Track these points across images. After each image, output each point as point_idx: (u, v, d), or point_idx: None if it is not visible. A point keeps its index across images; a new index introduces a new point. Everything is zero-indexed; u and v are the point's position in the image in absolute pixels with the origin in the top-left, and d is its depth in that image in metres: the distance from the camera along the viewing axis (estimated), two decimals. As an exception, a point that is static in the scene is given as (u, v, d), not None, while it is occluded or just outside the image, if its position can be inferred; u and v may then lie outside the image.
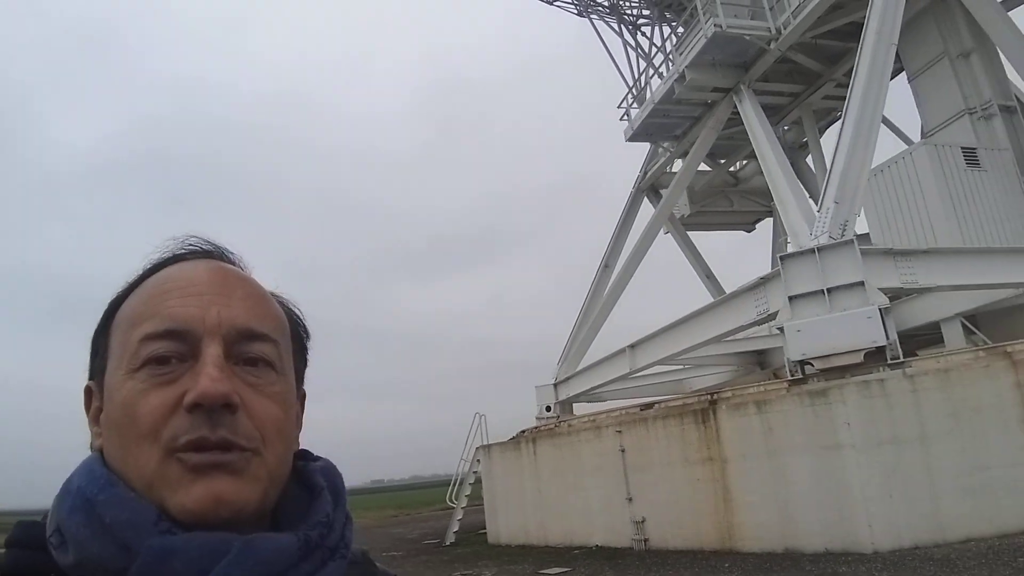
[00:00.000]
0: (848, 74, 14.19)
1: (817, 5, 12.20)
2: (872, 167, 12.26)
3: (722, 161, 16.68)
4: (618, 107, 15.88)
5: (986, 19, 10.68)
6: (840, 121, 9.84)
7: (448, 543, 13.36)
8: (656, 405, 9.76)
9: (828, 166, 9.66)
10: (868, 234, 11.85)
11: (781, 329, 8.38)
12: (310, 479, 0.74)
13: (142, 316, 0.69)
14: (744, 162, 17.26)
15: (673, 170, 16.50)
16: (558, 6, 19.95)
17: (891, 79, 14.56)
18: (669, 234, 17.46)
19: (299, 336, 0.80)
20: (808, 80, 14.27)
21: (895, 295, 10.54)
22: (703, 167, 16.71)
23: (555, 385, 15.28)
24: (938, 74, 12.34)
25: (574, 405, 15.19)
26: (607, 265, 16.28)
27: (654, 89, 15.25)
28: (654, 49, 17.04)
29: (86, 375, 0.77)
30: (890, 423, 7.34)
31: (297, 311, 0.82)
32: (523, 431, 13.24)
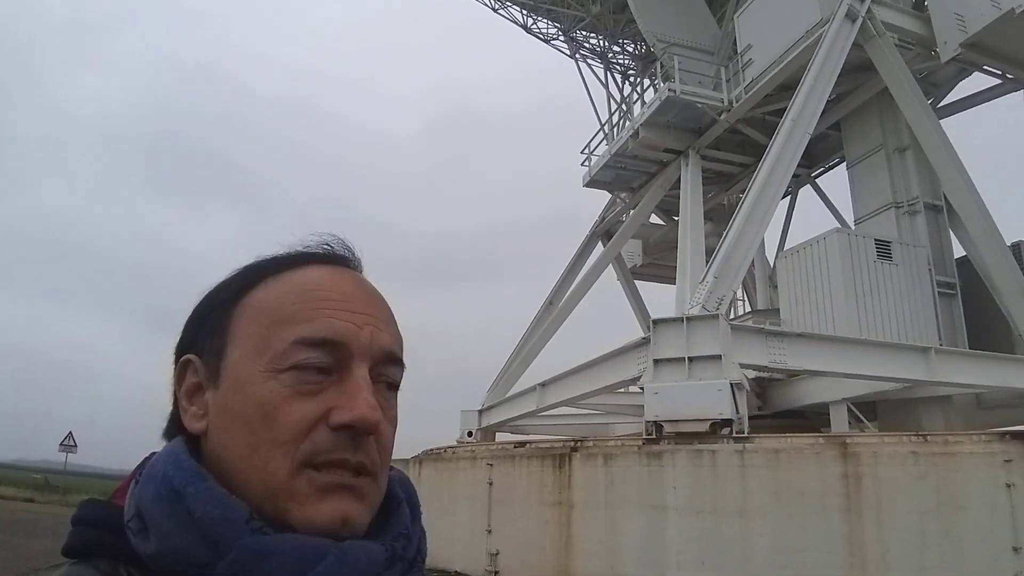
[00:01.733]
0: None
1: (766, 84, 12.66)
2: (791, 247, 12.73)
3: (676, 217, 17.09)
4: (581, 152, 16.35)
5: (915, 119, 11.05)
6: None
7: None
8: (528, 445, 10.13)
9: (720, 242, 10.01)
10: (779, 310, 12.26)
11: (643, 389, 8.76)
12: (390, 490, 0.74)
13: (294, 317, 0.69)
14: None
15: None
16: (554, 46, 20.60)
17: (834, 166, 15.11)
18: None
19: None
20: (756, 153, 14.66)
21: (793, 373, 10.98)
22: (659, 221, 17.16)
23: (479, 412, 15.64)
24: (874, 165, 12.74)
25: (497, 433, 15.54)
26: (551, 302, 16.69)
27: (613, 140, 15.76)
28: (632, 100, 17.61)
29: (173, 342, 0.77)
30: (714, 493, 7.67)
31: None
32: (428, 450, 13.60)
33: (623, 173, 15.85)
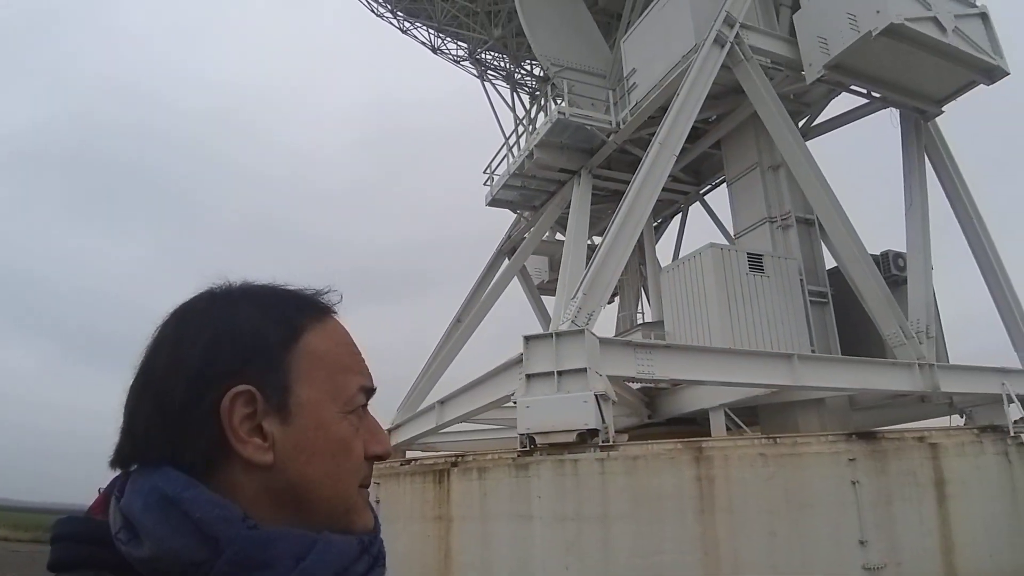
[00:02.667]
0: (683, 171, 15.35)
1: (647, 106, 13.19)
2: (671, 263, 13.26)
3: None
4: (484, 171, 16.68)
5: (780, 139, 11.68)
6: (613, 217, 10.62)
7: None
8: (413, 462, 10.33)
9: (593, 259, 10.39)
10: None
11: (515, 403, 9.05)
12: None
13: (352, 367, 0.85)
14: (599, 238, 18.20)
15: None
16: (463, 67, 20.97)
17: (720, 183, 15.75)
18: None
19: None
20: (648, 172, 15.26)
21: (676, 382, 11.43)
22: (561, 238, 17.59)
23: (389, 430, 15.74)
24: (750, 182, 13.39)
25: (407, 452, 15.65)
26: (459, 320, 16.92)
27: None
28: (535, 120, 18.06)
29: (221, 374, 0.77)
30: (576, 500, 8.00)
31: None
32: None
33: (525, 192, 16.23)
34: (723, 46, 11.65)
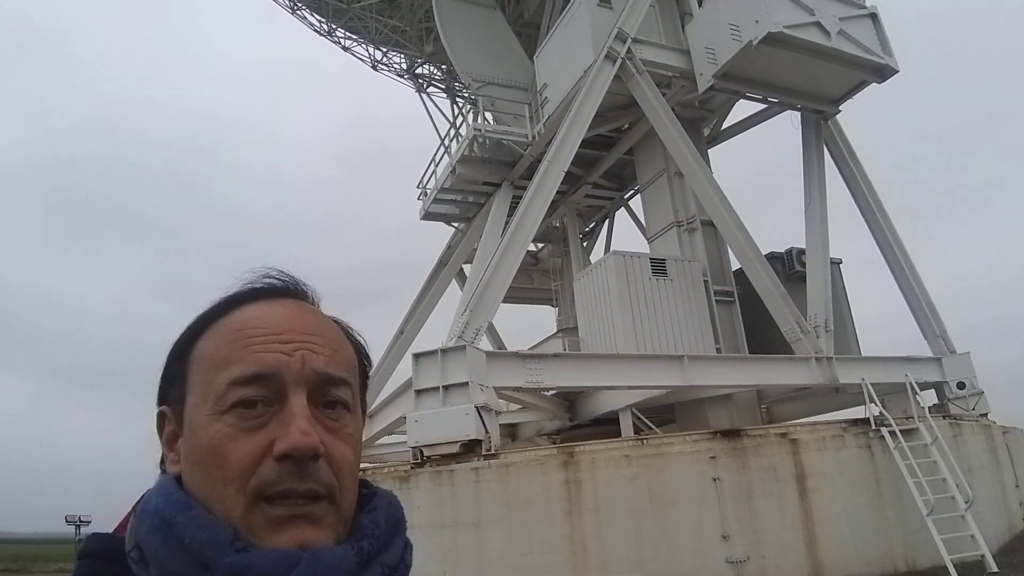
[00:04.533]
0: (604, 177, 15.78)
1: (556, 119, 13.59)
2: (583, 271, 13.69)
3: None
4: (417, 186, 17.11)
5: (673, 148, 12.10)
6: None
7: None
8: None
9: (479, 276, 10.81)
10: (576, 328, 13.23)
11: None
12: (367, 502, 0.79)
13: (227, 359, 0.73)
14: (540, 245, 18.68)
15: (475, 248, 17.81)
16: (401, 82, 21.42)
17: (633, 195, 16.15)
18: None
19: (364, 369, 0.84)
20: (569, 181, 15.68)
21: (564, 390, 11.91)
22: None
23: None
24: (659, 188, 13.84)
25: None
26: (402, 332, 17.37)
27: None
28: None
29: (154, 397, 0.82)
30: (452, 509, 8.46)
31: (362, 341, 0.86)
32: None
33: (461, 205, 16.68)
34: (615, 61, 12.08)
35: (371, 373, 0.86)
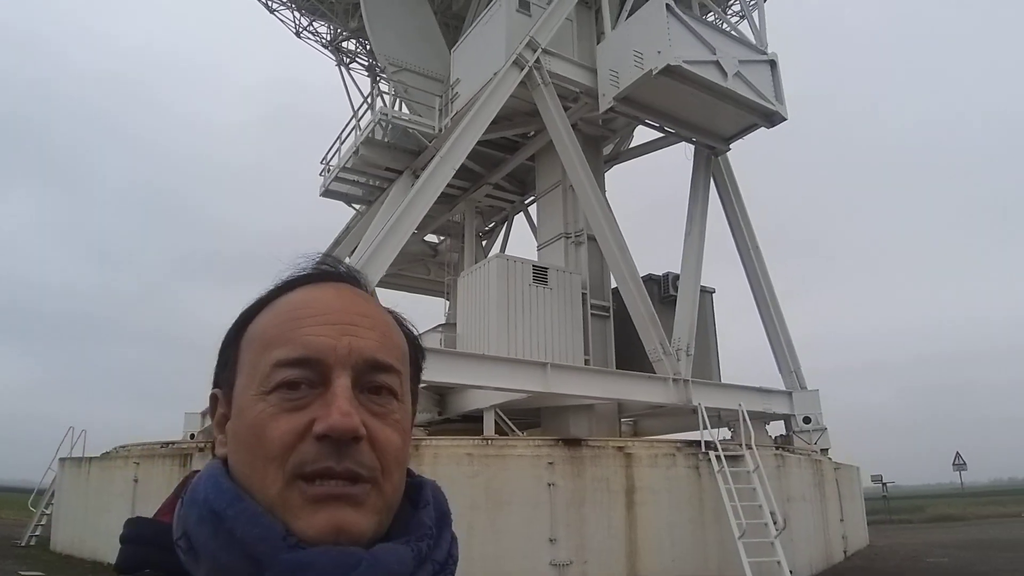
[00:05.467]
0: (506, 179, 16.03)
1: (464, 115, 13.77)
2: (466, 269, 13.91)
3: (415, 231, 18.05)
4: (320, 161, 16.95)
5: (567, 161, 12.43)
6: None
7: (24, 544, 13.77)
8: (170, 445, 10.71)
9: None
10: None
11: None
12: (418, 494, 0.77)
13: (275, 340, 0.73)
14: (441, 238, 18.84)
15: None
16: (324, 53, 21.11)
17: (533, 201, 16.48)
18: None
19: (416, 360, 0.83)
20: (472, 177, 15.89)
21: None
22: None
23: (202, 414, 15.90)
24: (553, 199, 14.19)
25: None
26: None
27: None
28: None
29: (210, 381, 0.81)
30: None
31: (415, 332, 0.85)
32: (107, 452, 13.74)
33: (361, 187, 16.63)
34: (522, 68, 12.32)
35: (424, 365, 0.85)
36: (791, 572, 8.84)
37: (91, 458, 12.66)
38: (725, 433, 14.17)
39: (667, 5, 11.97)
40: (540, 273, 12.75)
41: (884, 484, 25.42)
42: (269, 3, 20.17)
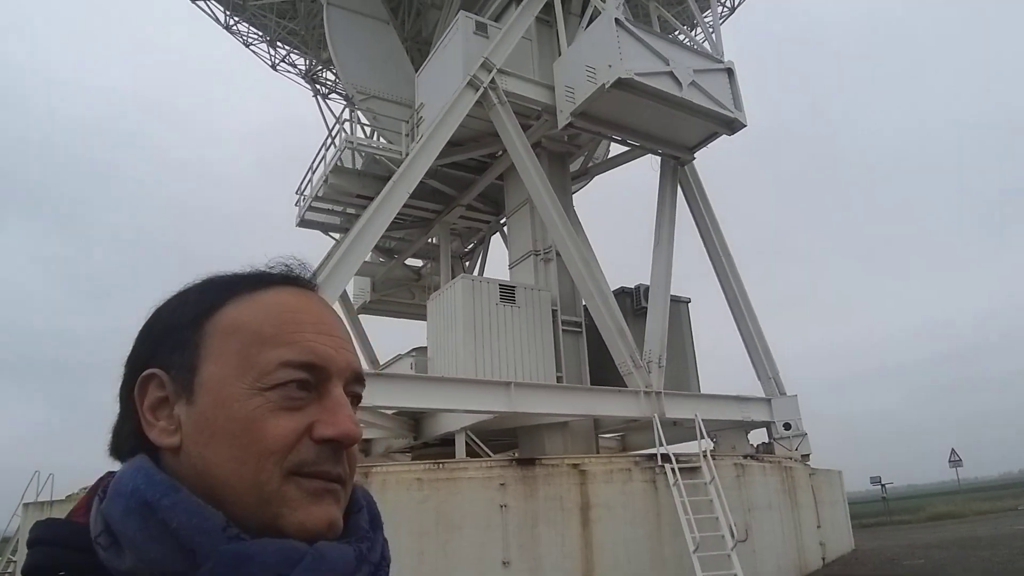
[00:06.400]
0: (481, 200, 16.05)
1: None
2: (436, 291, 13.91)
3: (396, 257, 18.12)
4: (295, 192, 17.06)
5: (528, 180, 12.43)
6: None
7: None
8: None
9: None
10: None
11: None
12: (352, 497, 0.78)
13: (274, 339, 0.73)
14: (423, 262, 18.90)
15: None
16: (300, 84, 21.38)
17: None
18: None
19: None
20: (444, 200, 15.93)
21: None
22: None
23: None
24: (521, 217, 14.18)
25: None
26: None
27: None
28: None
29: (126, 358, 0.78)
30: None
31: None
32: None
33: (338, 215, 16.73)
34: (477, 89, 12.37)
35: None
36: (752, 584, 8.68)
37: (55, 501, 12.72)
38: (708, 444, 14.06)
39: (616, 20, 11.98)
40: (507, 292, 12.73)
41: (883, 485, 25.07)
42: (245, 37, 20.50)
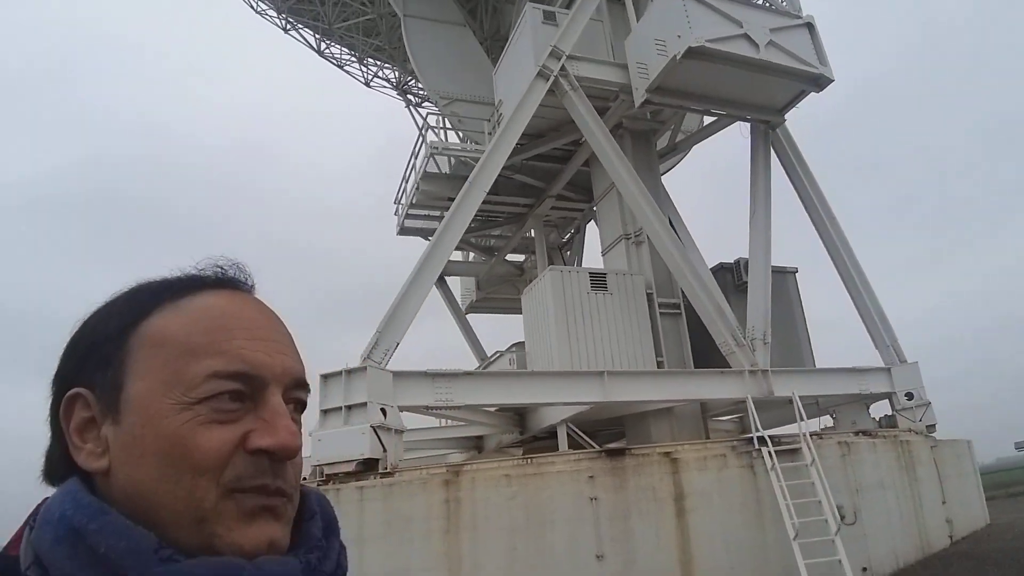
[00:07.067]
0: (572, 189, 15.89)
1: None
2: (528, 286, 13.86)
3: (495, 254, 18.23)
4: (395, 202, 17.55)
5: (608, 163, 12.18)
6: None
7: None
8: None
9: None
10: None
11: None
12: (304, 504, 0.76)
13: (203, 349, 0.69)
14: (524, 256, 18.91)
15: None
16: (394, 97, 21.94)
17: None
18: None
19: None
20: (534, 193, 15.86)
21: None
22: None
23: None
24: (610, 201, 13.89)
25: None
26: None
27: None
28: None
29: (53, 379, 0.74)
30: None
31: None
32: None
33: (437, 220, 17.06)
34: (547, 79, 12.23)
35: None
36: (864, 569, 8.11)
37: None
38: (827, 420, 13.26)
39: (682, -13, 11.49)
40: (598, 280, 12.51)
41: (1031, 449, 22.71)
42: (339, 60, 21.27)
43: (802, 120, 13.32)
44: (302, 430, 0.75)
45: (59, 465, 0.72)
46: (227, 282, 0.78)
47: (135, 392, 0.68)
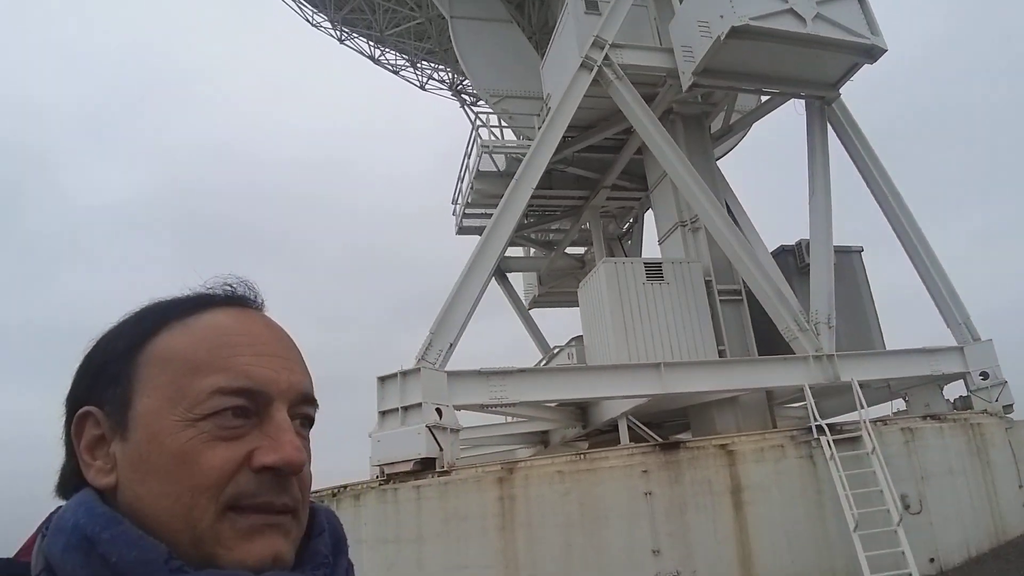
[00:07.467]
0: (626, 178, 15.72)
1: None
2: (583, 279, 13.78)
3: (555, 248, 18.17)
4: (452, 202, 17.70)
5: (657, 151, 12.00)
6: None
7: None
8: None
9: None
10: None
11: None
12: (313, 521, 0.76)
13: (207, 365, 0.70)
14: (584, 249, 18.81)
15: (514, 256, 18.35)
16: (449, 99, 22.10)
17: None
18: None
19: None
20: (589, 185, 15.74)
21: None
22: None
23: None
24: (664, 189, 13.68)
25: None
26: (452, 344, 18.05)
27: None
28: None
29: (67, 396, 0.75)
30: (396, 525, 9.02)
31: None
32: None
33: (488, 219, 17.15)
34: (591, 70, 12.12)
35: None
36: (931, 560, 7.78)
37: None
38: (900, 404, 12.76)
39: (722, -34, 11.19)
40: (654, 269, 12.34)
41: None
42: (394, 66, 21.57)
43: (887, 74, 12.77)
44: (310, 445, 0.75)
45: (71, 481, 0.74)
46: (235, 300, 0.79)
47: (141, 409, 0.69)
